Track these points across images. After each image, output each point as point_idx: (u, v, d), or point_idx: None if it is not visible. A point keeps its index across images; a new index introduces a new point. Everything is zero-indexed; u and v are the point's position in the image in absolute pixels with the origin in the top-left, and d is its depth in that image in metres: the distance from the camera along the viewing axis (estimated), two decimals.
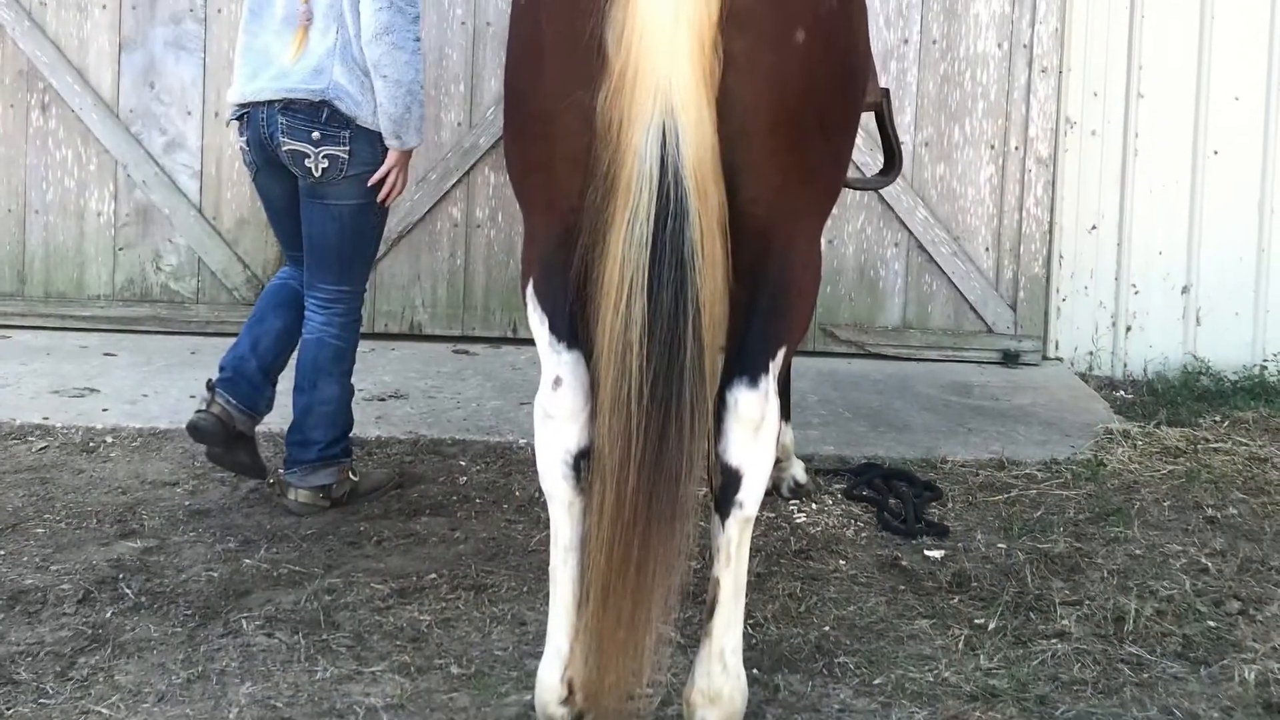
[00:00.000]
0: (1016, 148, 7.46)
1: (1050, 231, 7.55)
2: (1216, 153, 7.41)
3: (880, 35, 7.22)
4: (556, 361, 3.33)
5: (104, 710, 3.46)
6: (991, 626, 4.09)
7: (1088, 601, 4.29)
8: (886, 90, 5.08)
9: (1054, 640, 4.01)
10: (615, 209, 3.06)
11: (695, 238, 3.03)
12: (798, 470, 5.36)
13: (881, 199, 7.45)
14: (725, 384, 3.32)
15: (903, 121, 7.30)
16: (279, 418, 5.23)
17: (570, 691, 3.29)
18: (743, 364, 3.34)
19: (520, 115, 3.50)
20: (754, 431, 3.31)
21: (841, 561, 4.70)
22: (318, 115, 4.70)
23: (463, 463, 5.69)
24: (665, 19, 2.97)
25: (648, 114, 2.99)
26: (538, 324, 3.40)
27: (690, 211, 3.02)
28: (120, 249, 7.62)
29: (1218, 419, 6.58)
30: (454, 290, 7.71)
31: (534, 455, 3.42)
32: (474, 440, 5.93)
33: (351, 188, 4.80)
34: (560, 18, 3.23)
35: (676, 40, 2.97)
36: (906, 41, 7.43)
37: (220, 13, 7.42)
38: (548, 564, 3.39)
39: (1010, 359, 7.52)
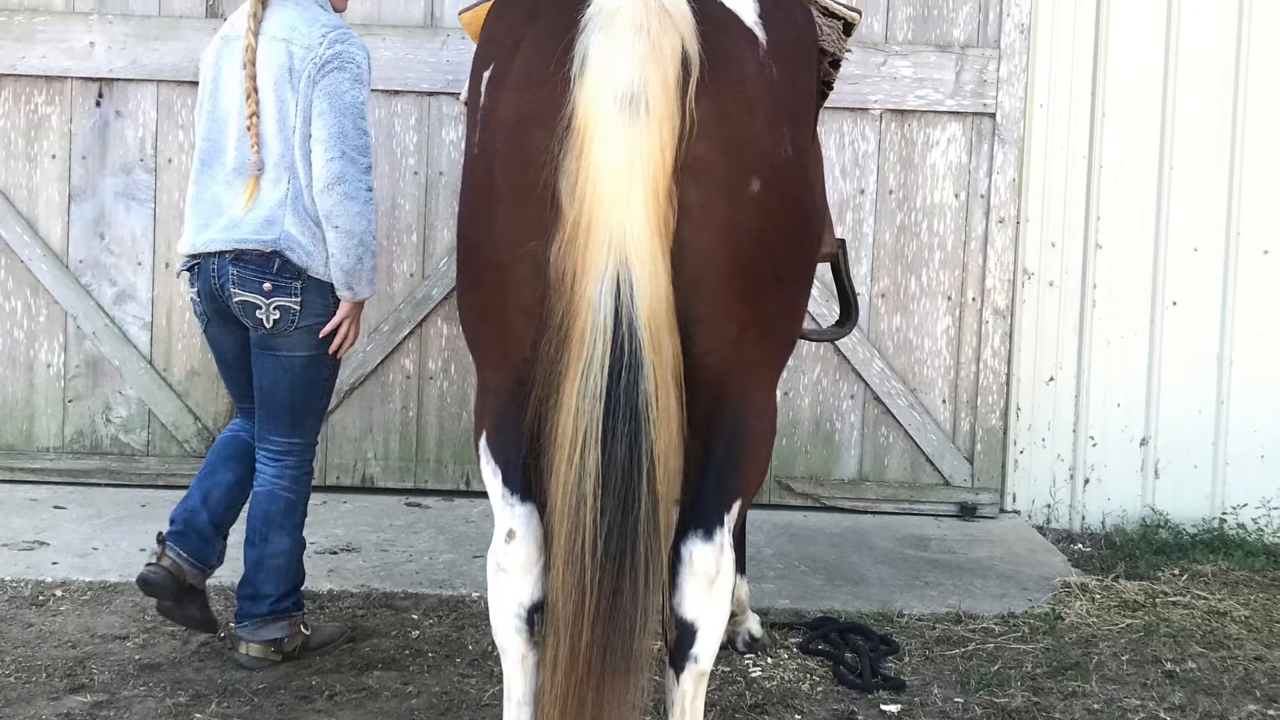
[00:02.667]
0: (974, 299, 7.50)
1: (1007, 383, 7.56)
2: (1175, 304, 7.46)
3: (836, 185, 7.28)
4: (510, 514, 3.32)
5: None
6: None
7: None
8: (842, 241, 5.12)
9: None
10: (569, 360, 3.05)
11: (650, 389, 3.03)
12: (753, 624, 5.33)
13: (837, 350, 7.45)
14: (680, 537, 3.31)
15: (859, 272, 7.34)
16: (230, 571, 5.16)
17: None
18: (698, 517, 3.33)
19: (473, 266, 3.51)
20: (709, 585, 3.29)
21: (797, 716, 4.67)
22: (269, 266, 4.69)
23: (415, 616, 5.63)
24: (619, 169, 2.98)
25: (602, 264, 2.99)
26: (491, 476, 3.39)
27: (645, 363, 3.02)
28: (70, 401, 7.54)
29: (1176, 572, 6.57)
30: (406, 443, 7.67)
31: (487, 609, 3.40)
32: (427, 594, 5.88)
33: (303, 339, 4.79)
34: (514, 167, 3.24)
35: (631, 190, 2.98)
36: (863, 191, 7.49)
37: (171, 163, 7.43)
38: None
39: (967, 512, 7.49)
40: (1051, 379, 7.56)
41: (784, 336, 3.71)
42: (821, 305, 6.93)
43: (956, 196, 7.49)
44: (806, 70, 3.73)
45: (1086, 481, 7.58)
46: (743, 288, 3.28)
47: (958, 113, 7.45)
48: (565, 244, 3.07)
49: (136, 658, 5.02)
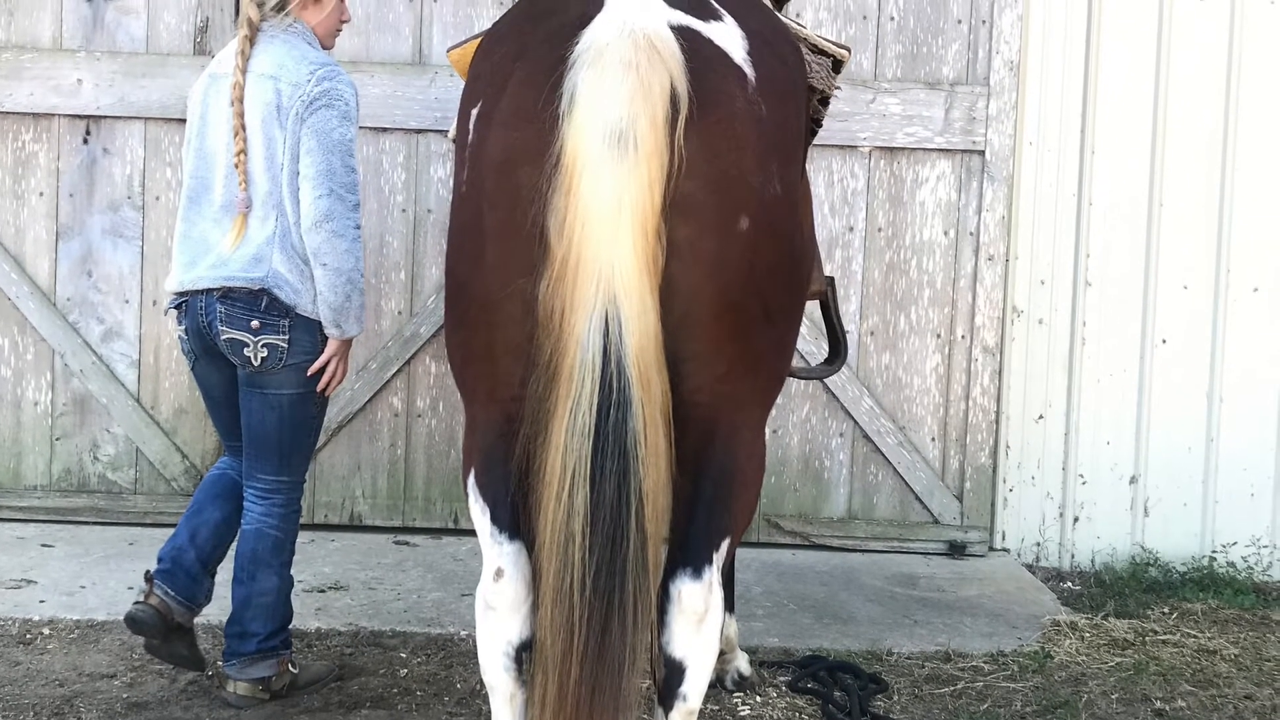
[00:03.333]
0: (963, 336, 7.51)
1: (997, 421, 7.58)
2: (1165, 341, 7.49)
3: (825, 223, 7.30)
4: (498, 552, 3.32)
5: None
6: None
7: None
8: (831, 278, 5.14)
9: None
10: (558, 398, 3.06)
11: (638, 427, 3.04)
12: (742, 663, 5.34)
13: (827, 388, 7.45)
14: (668, 575, 3.31)
15: (848, 310, 7.34)
16: (218, 609, 5.17)
17: None
18: (686, 555, 3.33)
19: (461, 303, 3.52)
20: (697, 624, 3.29)
21: None
22: (256, 304, 4.71)
23: (403, 655, 5.63)
24: (608, 206, 2.99)
25: (590, 302, 3.00)
26: (479, 515, 3.39)
27: (633, 401, 3.02)
28: (57, 439, 7.53)
29: (1166, 610, 6.58)
30: (395, 481, 7.68)
31: (476, 647, 3.41)
32: (415, 632, 5.88)
33: (291, 377, 4.80)
34: (502, 205, 3.26)
35: (619, 228, 2.99)
36: (852, 229, 7.51)
37: (158, 200, 7.43)
38: None
39: (957, 550, 7.49)
40: (1041, 417, 7.57)
41: (773, 374, 3.72)
42: (810, 343, 6.96)
43: (946, 234, 7.52)
44: (795, 107, 3.75)
45: (1076, 519, 7.59)
46: (731, 325, 3.29)
47: (947, 150, 7.48)
48: (554, 281, 3.08)
49: (124, 696, 5.03)
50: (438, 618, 6.19)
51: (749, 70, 3.39)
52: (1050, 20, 7.46)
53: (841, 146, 7.43)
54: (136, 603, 4.87)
